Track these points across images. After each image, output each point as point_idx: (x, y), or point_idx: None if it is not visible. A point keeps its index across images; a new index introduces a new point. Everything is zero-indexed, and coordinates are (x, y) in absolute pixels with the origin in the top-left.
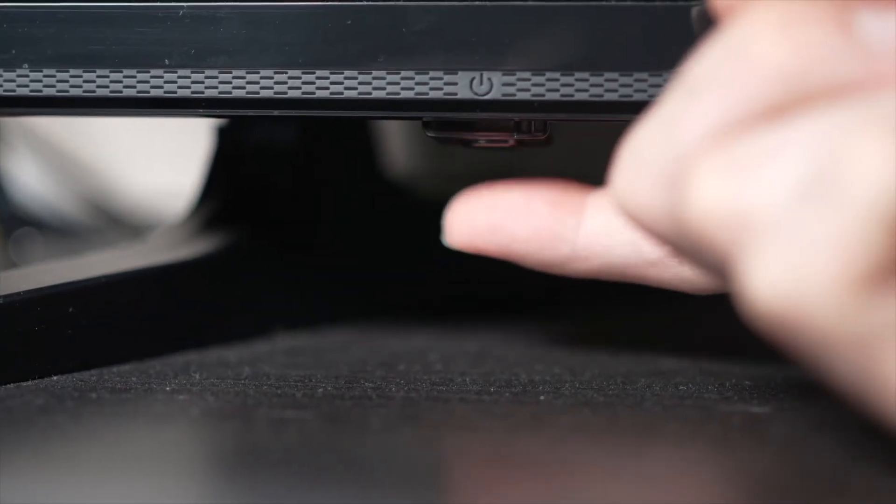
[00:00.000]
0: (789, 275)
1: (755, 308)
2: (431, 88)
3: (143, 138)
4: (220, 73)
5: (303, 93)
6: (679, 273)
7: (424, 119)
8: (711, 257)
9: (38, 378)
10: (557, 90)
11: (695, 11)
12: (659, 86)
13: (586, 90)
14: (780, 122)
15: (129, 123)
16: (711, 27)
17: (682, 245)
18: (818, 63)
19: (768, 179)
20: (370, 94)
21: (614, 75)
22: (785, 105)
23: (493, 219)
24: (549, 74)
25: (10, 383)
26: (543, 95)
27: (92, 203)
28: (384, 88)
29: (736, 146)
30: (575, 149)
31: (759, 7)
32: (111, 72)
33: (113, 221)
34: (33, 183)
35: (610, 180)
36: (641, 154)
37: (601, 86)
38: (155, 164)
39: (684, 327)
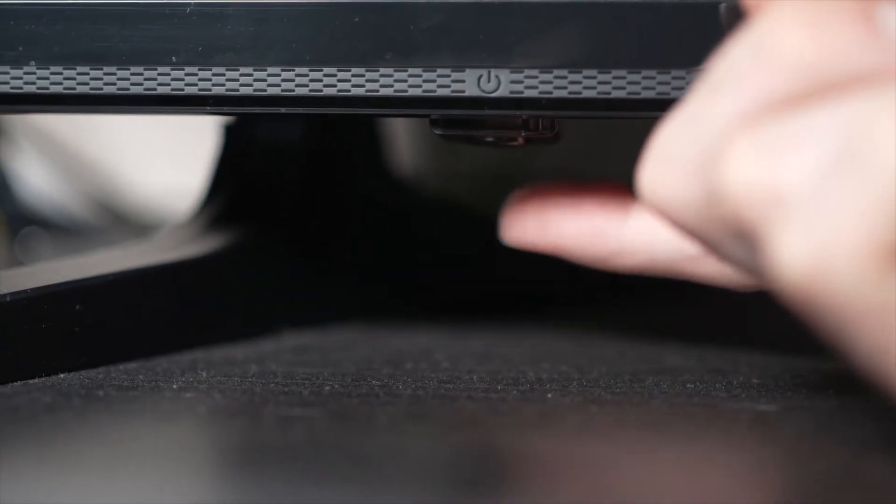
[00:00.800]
0: (816, 249)
1: (783, 282)
2: (439, 86)
3: (150, 137)
4: (227, 70)
5: (310, 90)
6: (722, 268)
7: (432, 117)
8: (741, 241)
9: (45, 376)
10: (565, 88)
11: (723, 7)
12: (666, 83)
13: (594, 88)
14: (809, 106)
15: (136, 122)
16: (740, 22)
17: (709, 235)
18: (841, 56)
19: (799, 157)
20: (377, 91)
21: (622, 73)
22: (804, 94)
23: (542, 216)
24: (556, 72)
25: (17, 381)
26: (551, 93)
27: (98, 202)
28: (391, 86)
29: (767, 128)
30: (583, 146)
31: (784, 3)
32: (118, 69)
33: (119, 220)
34: (40, 182)
35: (638, 175)
36: (669, 147)
37: (609, 83)
38: (162, 163)
39: (692, 325)
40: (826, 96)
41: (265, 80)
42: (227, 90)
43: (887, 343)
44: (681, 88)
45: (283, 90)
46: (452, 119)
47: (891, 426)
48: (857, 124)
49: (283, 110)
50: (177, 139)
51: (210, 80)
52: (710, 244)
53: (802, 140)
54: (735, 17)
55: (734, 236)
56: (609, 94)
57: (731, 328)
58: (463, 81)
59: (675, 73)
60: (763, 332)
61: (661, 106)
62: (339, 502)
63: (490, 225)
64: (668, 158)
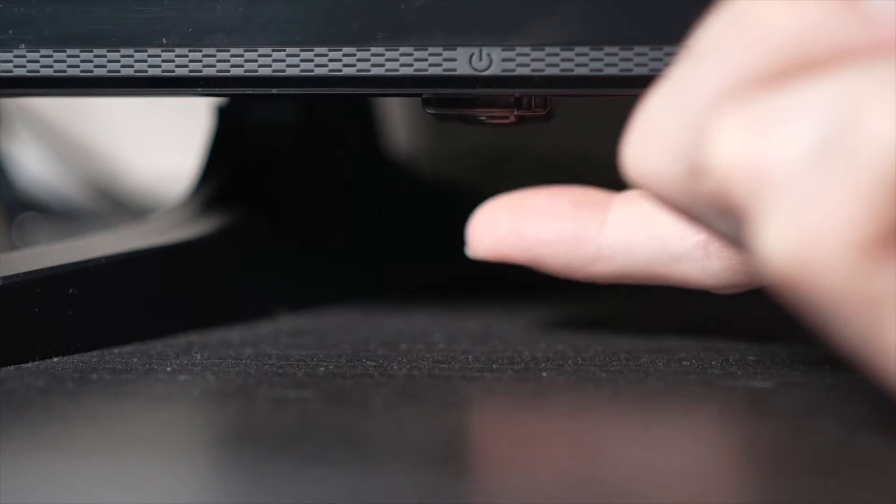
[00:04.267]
0: (800, 236)
1: (767, 268)
2: (431, 65)
3: (146, 121)
4: (218, 51)
5: (301, 70)
6: (705, 267)
7: (424, 96)
8: (726, 216)
9: (39, 360)
10: (557, 65)
11: None
12: (659, 59)
13: (586, 65)
14: (796, 83)
15: (133, 106)
16: None
17: (694, 210)
18: (821, 29)
19: (787, 135)
20: (369, 71)
21: (614, 49)
22: (791, 69)
23: (516, 223)
24: (548, 49)
25: (10, 365)
26: (543, 70)
27: (95, 187)
28: (383, 65)
29: (754, 104)
30: (576, 125)
31: None
32: (108, 51)
33: (117, 205)
34: (36, 167)
35: (622, 150)
36: (653, 121)
37: (601, 60)
38: (159, 147)
39: (688, 304)
40: (813, 73)
41: (256, 61)
42: (219, 71)
43: (870, 333)
44: None
45: (274, 71)
46: (445, 98)
47: (886, 403)
48: (844, 105)
49: (274, 91)
50: (174, 123)
51: (201, 61)
52: (695, 219)
53: (790, 118)
54: None
55: (719, 212)
56: (601, 71)
57: (727, 306)
58: (455, 60)
59: (667, 49)
60: (760, 310)
61: (654, 83)
62: (333, 483)
63: None
64: (652, 133)
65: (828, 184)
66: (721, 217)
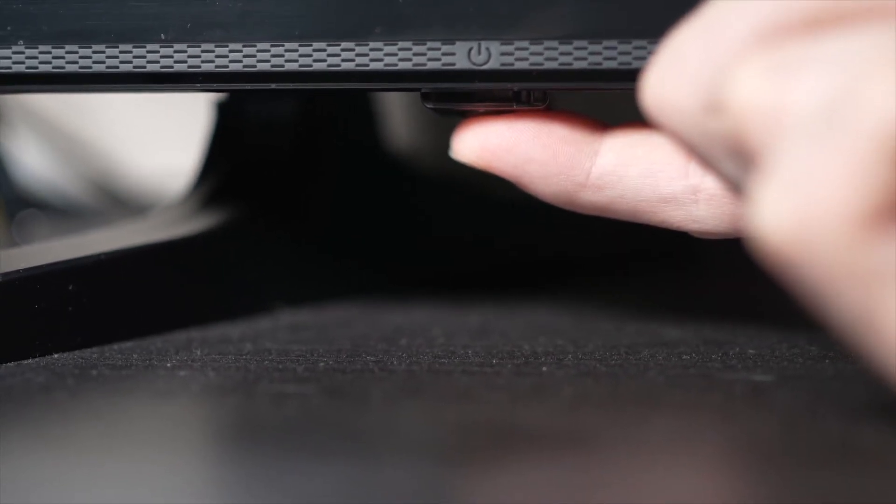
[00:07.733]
0: (796, 207)
1: (762, 238)
2: (429, 59)
3: (146, 117)
4: (216, 46)
5: (300, 65)
6: (691, 212)
7: (423, 90)
8: (734, 157)
9: (39, 356)
10: (556, 59)
11: None
12: None
13: (585, 58)
14: (825, 35)
15: (133, 102)
16: None
17: (704, 146)
18: None
19: (803, 87)
20: (367, 65)
21: (613, 43)
22: (825, 19)
23: (509, 137)
24: (547, 43)
25: (10, 361)
26: (542, 64)
27: (96, 184)
28: (381, 60)
29: (781, 49)
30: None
31: None
32: (107, 47)
33: (117, 202)
34: (36, 164)
35: (643, 79)
36: (680, 53)
37: (600, 54)
38: (159, 144)
39: (689, 298)
40: (839, 25)
41: (255, 56)
42: (217, 66)
43: (865, 310)
44: None
45: (272, 66)
46: (443, 93)
47: (887, 395)
48: (852, 66)
49: (273, 86)
50: (174, 119)
51: (199, 56)
52: (703, 155)
53: (809, 70)
54: None
55: (729, 152)
56: (600, 64)
57: (727, 300)
58: (453, 54)
59: None
60: (760, 303)
61: None
62: (333, 478)
63: (487, 200)
64: (677, 64)
65: (824, 152)
66: (729, 158)
